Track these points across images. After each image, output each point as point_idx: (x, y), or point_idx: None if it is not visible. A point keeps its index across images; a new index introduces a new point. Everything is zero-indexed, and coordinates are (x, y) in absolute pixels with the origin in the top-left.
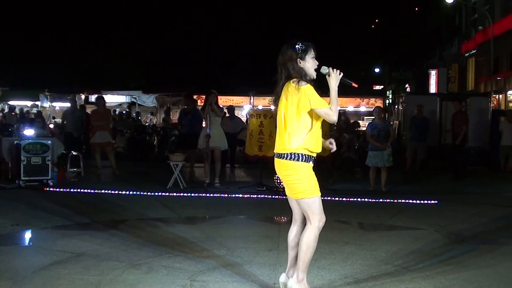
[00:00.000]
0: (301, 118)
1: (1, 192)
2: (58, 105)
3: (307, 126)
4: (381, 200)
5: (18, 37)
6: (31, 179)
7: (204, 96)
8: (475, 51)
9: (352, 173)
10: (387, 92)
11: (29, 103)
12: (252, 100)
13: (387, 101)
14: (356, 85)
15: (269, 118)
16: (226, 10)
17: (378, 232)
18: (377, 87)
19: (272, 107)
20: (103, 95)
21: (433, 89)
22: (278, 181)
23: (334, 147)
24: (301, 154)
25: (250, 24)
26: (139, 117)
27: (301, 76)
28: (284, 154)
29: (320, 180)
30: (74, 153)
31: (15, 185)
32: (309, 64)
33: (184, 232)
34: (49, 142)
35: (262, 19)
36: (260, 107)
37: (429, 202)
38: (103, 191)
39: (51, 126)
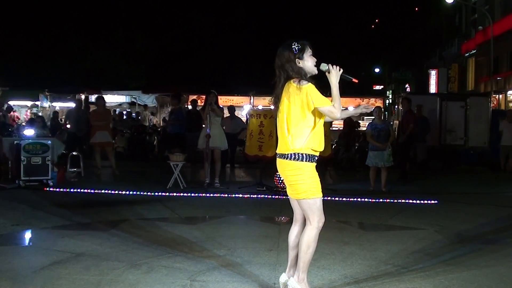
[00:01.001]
0: (304, 117)
1: (1, 192)
2: (58, 105)
3: (310, 125)
4: (381, 200)
5: (18, 36)
6: (31, 179)
7: (204, 96)
8: (475, 51)
9: (352, 173)
10: (387, 92)
11: (29, 103)
12: (252, 100)
13: (387, 101)
14: (356, 81)
15: (269, 118)
16: (225, 10)
17: (378, 232)
18: (377, 87)
19: (272, 107)
20: (103, 95)
21: (433, 89)
22: (279, 180)
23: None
24: (305, 154)
25: (250, 24)
26: (139, 117)
27: (301, 76)
28: (287, 154)
29: (320, 180)
30: (74, 153)
31: (15, 185)
32: (309, 62)
33: (184, 232)
34: (49, 142)
35: (262, 19)
36: (260, 107)
37: (429, 202)
38: (103, 191)
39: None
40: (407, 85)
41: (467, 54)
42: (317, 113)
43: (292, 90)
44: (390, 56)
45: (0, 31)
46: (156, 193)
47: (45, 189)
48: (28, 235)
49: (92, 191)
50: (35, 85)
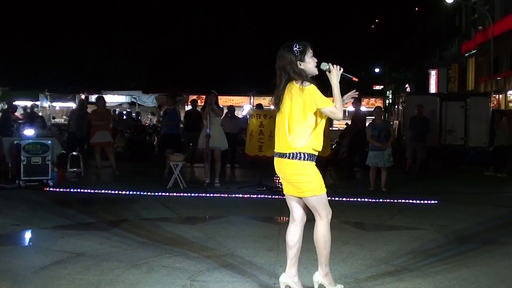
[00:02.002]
0: (306, 118)
1: (1, 192)
2: (58, 105)
3: (311, 126)
4: (381, 200)
5: (19, 37)
6: (31, 179)
7: (204, 96)
8: (475, 51)
9: (352, 173)
10: (387, 92)
11: (29, 103)
12: (252, 100)
13: (387, 101)
14: (356, 79)
15: (269, 118)
16: (226, 11)
17: (378, 232)
18: (377, 87)
19: (272, 107)
20: (103, 95)
21: (433, 89)
22: (279, 180)
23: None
24: (306, 153)
25: (250, 24)
26: (139, 117)
27: (303, 77)
28: (288, 153)
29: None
30: (74, 153)
31: (15, 185)
32: (310, 64)
33: (184, 232)
34: (49, 142)
35: (262, 19)
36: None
37: (429, 202)
38: (103, 191)
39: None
40: (407, 85)
41: (467, 54)
42: (318, 113)
43: (294, 91)
44: (390, 56)
45: (0, 31)
46: (156, 193)
47: (45, 189)
48: (28, 235)
49: (92, 191)
50: (35, 85)
